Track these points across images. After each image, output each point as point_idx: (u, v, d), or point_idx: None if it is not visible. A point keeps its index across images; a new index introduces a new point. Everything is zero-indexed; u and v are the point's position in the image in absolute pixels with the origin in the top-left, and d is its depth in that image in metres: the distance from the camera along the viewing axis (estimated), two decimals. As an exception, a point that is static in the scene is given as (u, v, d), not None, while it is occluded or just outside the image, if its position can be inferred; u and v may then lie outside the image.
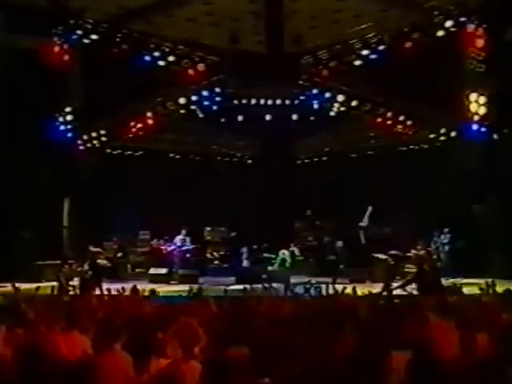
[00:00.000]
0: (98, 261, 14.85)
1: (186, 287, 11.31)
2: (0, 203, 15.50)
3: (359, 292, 9.58)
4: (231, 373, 4.31)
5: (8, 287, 10.36)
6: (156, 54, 15.96)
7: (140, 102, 16.49)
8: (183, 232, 17.11)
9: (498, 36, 14.73)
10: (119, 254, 17.45)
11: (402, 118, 16.12)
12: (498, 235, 15.38)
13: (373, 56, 15.61)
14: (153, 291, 9.51)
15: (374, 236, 17.05)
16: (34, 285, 10.99)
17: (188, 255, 17.03)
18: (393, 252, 15.80)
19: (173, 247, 17.19)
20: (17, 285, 9.42)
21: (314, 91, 16.50)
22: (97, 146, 16.86)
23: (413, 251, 16.44)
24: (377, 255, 16.00)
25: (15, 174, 15.40)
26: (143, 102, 16.55)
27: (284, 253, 15.13)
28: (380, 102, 16.13)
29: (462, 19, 14.85)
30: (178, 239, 17.11)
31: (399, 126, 16.27)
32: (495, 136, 14.91)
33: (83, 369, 4.77)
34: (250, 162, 19.92)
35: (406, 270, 14.68)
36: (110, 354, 5.02)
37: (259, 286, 11.96)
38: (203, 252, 17.66)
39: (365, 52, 15.70)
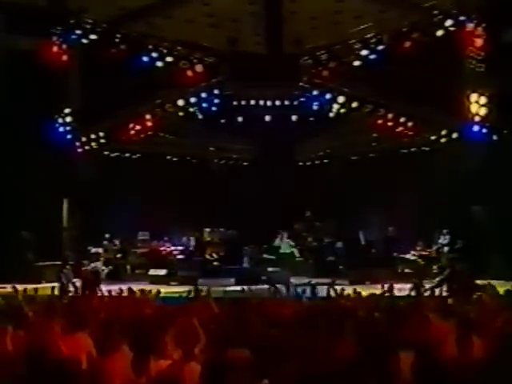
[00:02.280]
0: (98, 262, 14.84)
1: (186, 288, 11.29)
2: (-1, 204, 15.52)
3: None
4: (231, 374, 4.30)
5: (8, 288, 10.35)
6: (154, 54, 15.95)
7: (139, 104, 16.48)
8: (190, 235, 17.46)
9: (497, 36, 14.74)
10: (119, 255, 17.45)
11: (402, 119, 16.11)
12: (497, 236, 15.36)
13: (372, 56, 15.61)
14: (158, 292, 9.53)
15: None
16: (34, 286, 10.97)
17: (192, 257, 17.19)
18: (423, 253, 15.80)
19: (180, 248, 17.35)
20: (16, 286, 9.42)
21: (315, 92, 16.50)
22: (95, 147, 16.86)
23: (412, 252, 16.57)
24: (405, 256, 16.03)
25: (15, 175, 15.39)
26: (142, 104, 16.54)
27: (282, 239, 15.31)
28: (380, 104, 16.12)
29: (462, 18, 14.87)
30: (184, 240, 17.40)
31: (400, 128, 16.26)
32: (495, 137, 14.90)
33: (84, 369, 4.77)
34: (249, 163, 19.90)
35: (434, 270, 14.67)
36: (112, 354, 5.00)
37: (267, 286, 11.98)
38: (203, 253, 17.64)
39: (364, 52, 15.70)
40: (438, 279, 12.43)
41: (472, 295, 9.40)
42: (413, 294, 10.83)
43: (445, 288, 11.82)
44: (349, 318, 6.41)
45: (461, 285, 11.21)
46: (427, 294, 11.00)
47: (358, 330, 5.69)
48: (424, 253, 15.99)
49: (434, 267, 15.10)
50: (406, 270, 15.72)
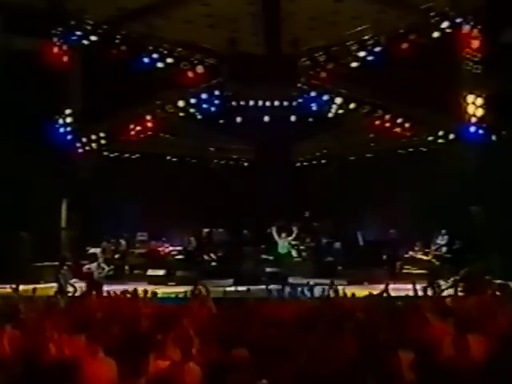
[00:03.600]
0: (94, 263, 14.86)
1: (184, 289, 11.31)
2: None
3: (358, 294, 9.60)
4: (230, 374, 4.33)
5: (6, 289, 10.34)
6: (154, 55, 16.02)
7: (139, 105, 16.51)
8: (188, 235, 17.50)
9: (494, 37, 14.81)
10: (117, 256, 17.45)
11: (400, 120, 16.18)
12: (496, 237, 15.40)
13: (370, 57, 15.70)
14: (154, 293, 9.55)
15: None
16: (32, 286, 10.97)
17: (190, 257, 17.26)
18: (437, 253, 15.80)
19: (178, 248, 17.46)
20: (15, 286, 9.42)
21: (313, 93, 16.56)
22: (95, 148, 16.88)
23: (411, 252, 16.59)
24: (419, 256, 16.04)
25: (14, 175, 15.39)
26: (142, 104, 16.57)
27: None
28: (378, 105, 16.18)
29: (458, 20, 14.98)
30: (183, 240, 17.48)
31: (397, 129, 16.32)
32: (493, 138, 14.97)
33: (79, 370, 4.79)
34: (248, 163, 19.94)
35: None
36: (97, 358, 5.01)
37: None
38: (201, 253, 17.66)
39: (362, 54, 15.78)
40: (452, 279, 12.36)
41: (486, 294, 9.39)
42: (429, 293, 10.70)
43: (459, 288, 11.72)
44: (347, 318, 6.44)
45: (477, 285, 11.18)
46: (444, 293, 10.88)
47: (356, 330, 5.72)
48: (437, 253, 15.95)
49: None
50: (420, 271, 15.62)
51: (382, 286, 9.04)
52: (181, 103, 16.62)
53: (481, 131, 14.93)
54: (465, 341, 5.09)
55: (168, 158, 18.66)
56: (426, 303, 7.60)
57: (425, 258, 15.99)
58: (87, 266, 14.26)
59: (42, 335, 5.76)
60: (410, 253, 16.49)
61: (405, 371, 4.46)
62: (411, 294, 8.90)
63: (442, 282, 11.95)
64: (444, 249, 16.14)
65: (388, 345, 5.11)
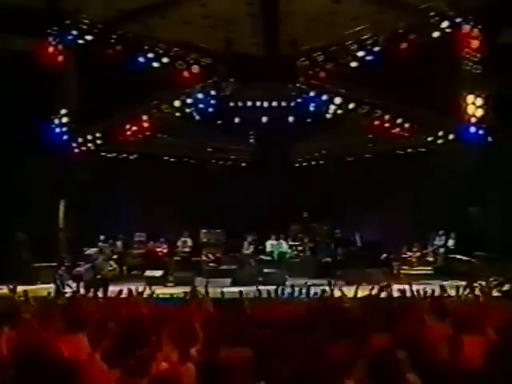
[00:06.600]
0: (87, 265, 14.81)
1: (182, 289, 11.27)
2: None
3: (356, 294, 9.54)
4: (227, 375, 4.28)
5: (4, 289, 10.30)
6: (150, 55, 16.01)
7: (135, 105, 16.49)
8: (185, 234, 17.37)
9: (494, 37, 14.80)
10: (115, 256, 17.40)
11: (399, 120, 16.17)
12: (494, 237, 15.37)
13: (368, 57, 15.69)
14: (151, 293, 9.49)
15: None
16: (30, 287, 10.92)
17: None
18: (479, 253, 15.71)
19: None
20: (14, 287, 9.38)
21: (311, 94, 16.54)
22: (92, 148, 16.85)
23: (409, 253, 16.57)
24: (458, 256, 15.95)
25: (11, 175, 15.35)
26: (138, 104, 16.55)
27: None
28: (377, 105, 16.17)
29: (458, 20, 14.98)
30: (180, 241, 17.40)
31: (396, 129, 16.31)
32: (491, 138, 14.95)
33: (77, 371, 4.74)
34: (246, 163, 19.91)
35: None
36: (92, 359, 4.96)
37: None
38: (199, 254, 17.62)
39: (361, 53, 15.78)
40: (492, 279, 12.24)
41: None
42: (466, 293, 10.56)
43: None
44: (344, 318, 6.40)
45: None
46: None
47: (353, 330, 5.68)
48: (480, 253, 15.82)
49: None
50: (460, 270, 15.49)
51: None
52: (177, 103, 16.62)
53: (481, 131, 14.92)
54: (461, 341, 5.06)
55: (166, 158, 18.64)
56: (423, 303, 7.55)
57: (464, 258, 15.85)
58: (77, 269, 14.20)
59: (41, 336, 5.73)
60: (408, 253, 16.48)
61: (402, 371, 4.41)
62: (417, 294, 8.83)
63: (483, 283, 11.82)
64: (442, 249, 16.13)
65: (386, 344, 5.07)
